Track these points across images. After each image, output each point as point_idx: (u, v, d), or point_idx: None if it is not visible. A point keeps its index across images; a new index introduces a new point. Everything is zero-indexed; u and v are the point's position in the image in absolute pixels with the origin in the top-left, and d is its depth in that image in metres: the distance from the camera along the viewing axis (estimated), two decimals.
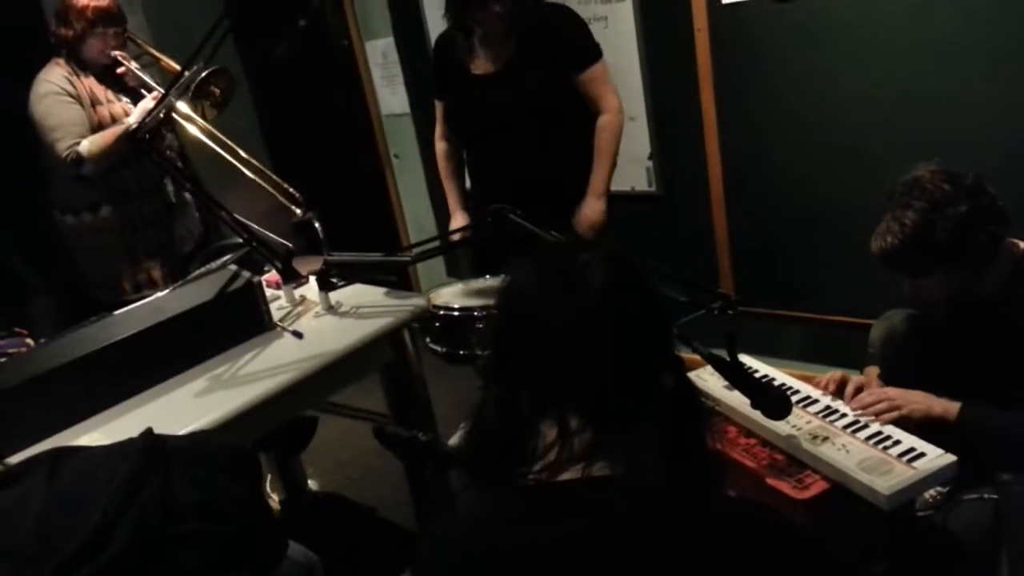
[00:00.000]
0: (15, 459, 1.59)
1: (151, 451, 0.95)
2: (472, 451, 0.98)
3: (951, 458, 1.46)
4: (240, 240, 2.27)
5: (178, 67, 2.64)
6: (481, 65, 2.52)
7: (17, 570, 0.85)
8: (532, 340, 0.91)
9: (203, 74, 2.47)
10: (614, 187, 2.70)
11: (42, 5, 3.52)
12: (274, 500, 2.83)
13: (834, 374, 1.78)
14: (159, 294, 2.18)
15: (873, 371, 1.86)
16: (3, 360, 2.12)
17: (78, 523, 0.86)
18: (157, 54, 2.85)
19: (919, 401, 1.63)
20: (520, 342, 0.93)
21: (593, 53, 2.47)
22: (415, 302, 2.17)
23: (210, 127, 2.56)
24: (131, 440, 0.98)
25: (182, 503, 0.93)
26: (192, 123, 2.56)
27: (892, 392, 1.67)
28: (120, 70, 2.72)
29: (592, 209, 2.48)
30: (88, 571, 0.85)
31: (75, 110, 2.65)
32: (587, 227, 2.47)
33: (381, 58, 3.83)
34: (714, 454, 0.98)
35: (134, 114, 2.67)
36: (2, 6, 3.40)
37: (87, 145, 2.62)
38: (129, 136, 2.44)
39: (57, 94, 2.64)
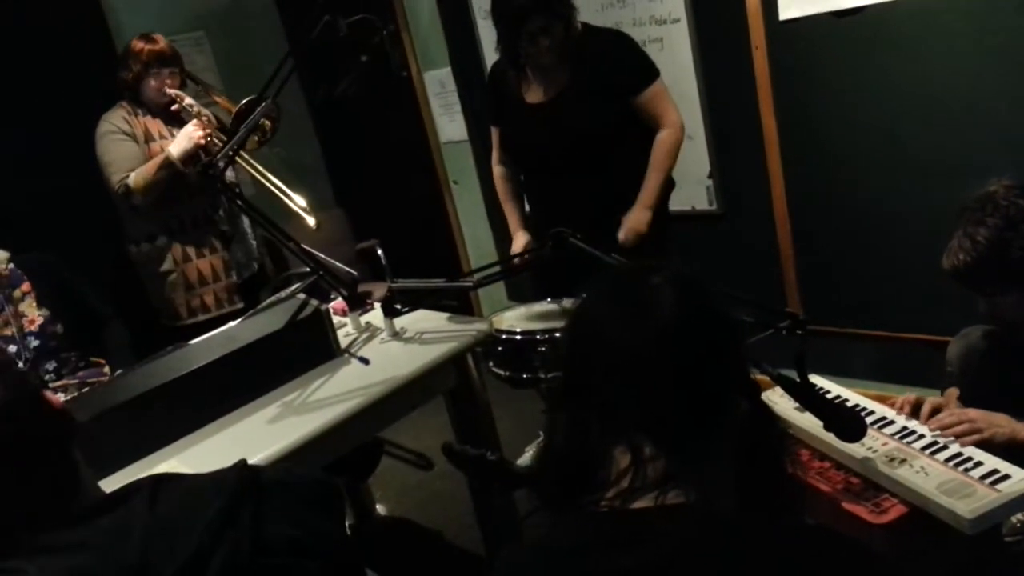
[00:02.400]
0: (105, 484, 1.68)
1: (245, 484, 0.98)
2: (543, 477, 0.97)
3: None
4: (307, 269, 2.33)
5: (232, 105, 2.77)
6: (535, 94, 2.54)
7: None
8: (602, 367, 0.90)
9: (257, 107, 2.56)
10: (674, 207, 2.69)
11: (116, 54, 3.70)
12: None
13: (908, 396, 1.72)
14: (232, 324, 2.25)
15: (953, 393, 1.79)
16: (85, 390, 2.21)
17: (177, 551, 0.89)
18: (213, 93, 2.98)
19: (1002, 424, 1.56)
20: (590, 369, 0.92)
21: (650, 73, 2.47)
22: (478, 327, 2.18)
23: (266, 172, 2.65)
24: (226, 471, 1.01)
25: (273, 537, 0.95)
26: (248, 165, 2.66)
27: (973, 413, 1.60)
28: (174, 107, 2.86)
29: (637, 218, 2.45)
30: None
31: (128, 146, 2.81)
32: (628, 233, 2.44)
33: (439, 87, 3.90)
34: (792, 479, 0.96)
35: (175, 143, 2.79)
36: (81, 56, 3.58)
37: (133, 177, 2.77)
38: (201, 170, 2.53)
39: (113, 133, 2.82)
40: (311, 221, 2.38)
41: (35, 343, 2.33)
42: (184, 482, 1.01)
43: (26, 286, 2.37)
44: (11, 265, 2.36)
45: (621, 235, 2.44)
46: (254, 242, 3.14)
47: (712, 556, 0.80)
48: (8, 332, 2.28)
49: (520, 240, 2.69)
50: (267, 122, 2.72)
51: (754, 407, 0.92)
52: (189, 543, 0.89)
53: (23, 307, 2.34)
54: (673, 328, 0.88)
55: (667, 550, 0.80)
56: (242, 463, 1.02)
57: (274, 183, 2.54)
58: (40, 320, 2.35)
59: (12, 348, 2.28)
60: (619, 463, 0.88)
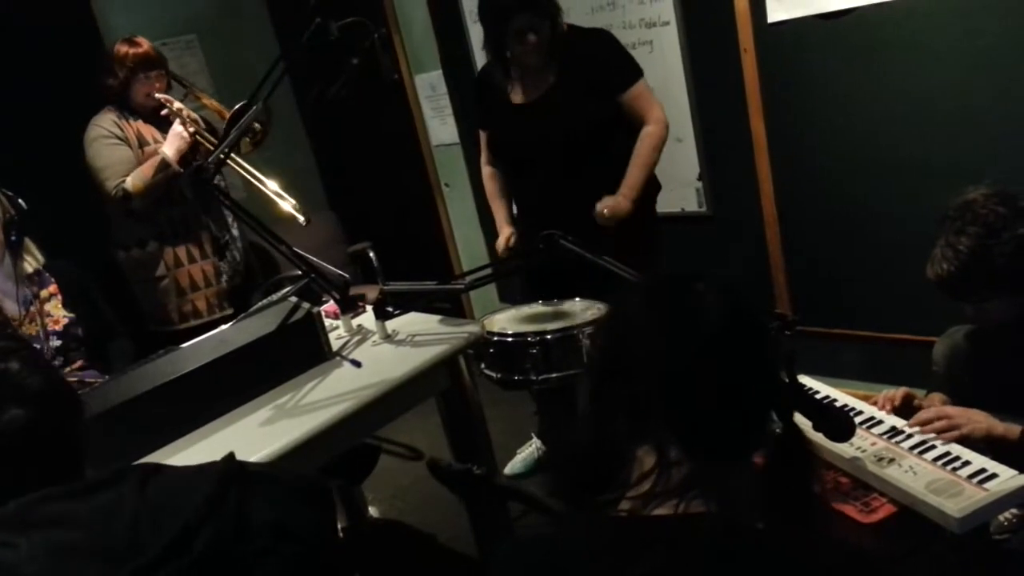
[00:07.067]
0: None
1: (232, 472, 1.03)
2: (561, 473, 0.97)
3: None
4: (299, 272, 2.33)
5: (218, 104, 2.78)
6: (521, 95, 2.56)
7: (106, 565, 0.91)
8: (638, 369, 0.89)
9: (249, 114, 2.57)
10: (664, 209, 2.71)
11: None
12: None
13: (888, 392, 1.73)
14: (223, 327, 2.25)
15: (937, 398, 1.81)
16: (82, 391, 2.21)
17: (163, 531, 0.93)
18: (199, 93, 2.97)
19: (979, 420, 1.58)
20: (625, 369, 0.90)
21: (634, 72, 2.49)
22: (469, 329, 2.19)
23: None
24: (214, 462, 1.05)
25: (257, 521, 1.00)
26: (239, 167, 2.67)
27: (951, 410, 1.62)
28: (163, 112, 2.84)
29: (617, 204, 2.43)
30: (165, 574, 0.91)
31: (122, 151, 2.80)
32: (605, 214, 2.42)
33: (430, 90, 3.91)
34: (817, 500, 0.95)
35: (167, 143, 2.80)
36: (72, 59, 3.56)
37: (130, 181, 2.76)
38: (192, 173, 2.53)
39: (105, 137, 2.80)
40: (302, 219, 2.42)
41: (57, 343, 2.35)
42: (173, 471, 1.06)
43: (53, 287, 2.40)
44: (41, 267, 2.40)
45: (597, 209, 2.42)
46: (240, 245, 3.13)
47: (728, 567, 0.80)
48: (32, 330, 2.30)
49: (506, 234, 2.70)
50: (258, 125, 2.72)
51: (786, 423, 0.92)
52: (175, 523, 0.94)
53: (49, 307, 2.37)
54: (716, 339, 0.88)
55: (682, 559, 0.80)
56: (229, 455, 1.06)
57: (265, 184, 2.55)
58: (65, 321, 2.38)
59: (35, 347, 2.30)
60: (643, 464, 0.87)
